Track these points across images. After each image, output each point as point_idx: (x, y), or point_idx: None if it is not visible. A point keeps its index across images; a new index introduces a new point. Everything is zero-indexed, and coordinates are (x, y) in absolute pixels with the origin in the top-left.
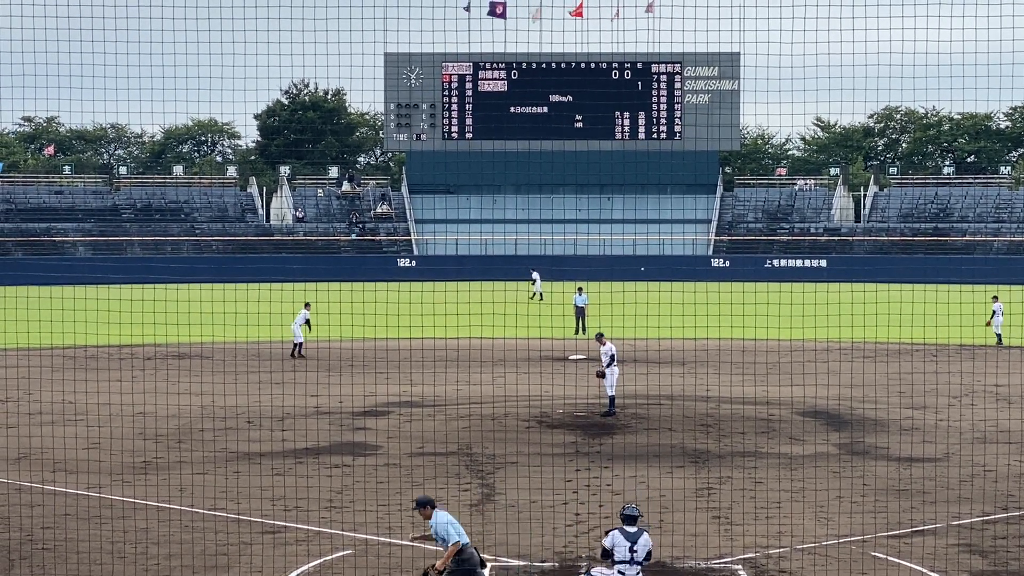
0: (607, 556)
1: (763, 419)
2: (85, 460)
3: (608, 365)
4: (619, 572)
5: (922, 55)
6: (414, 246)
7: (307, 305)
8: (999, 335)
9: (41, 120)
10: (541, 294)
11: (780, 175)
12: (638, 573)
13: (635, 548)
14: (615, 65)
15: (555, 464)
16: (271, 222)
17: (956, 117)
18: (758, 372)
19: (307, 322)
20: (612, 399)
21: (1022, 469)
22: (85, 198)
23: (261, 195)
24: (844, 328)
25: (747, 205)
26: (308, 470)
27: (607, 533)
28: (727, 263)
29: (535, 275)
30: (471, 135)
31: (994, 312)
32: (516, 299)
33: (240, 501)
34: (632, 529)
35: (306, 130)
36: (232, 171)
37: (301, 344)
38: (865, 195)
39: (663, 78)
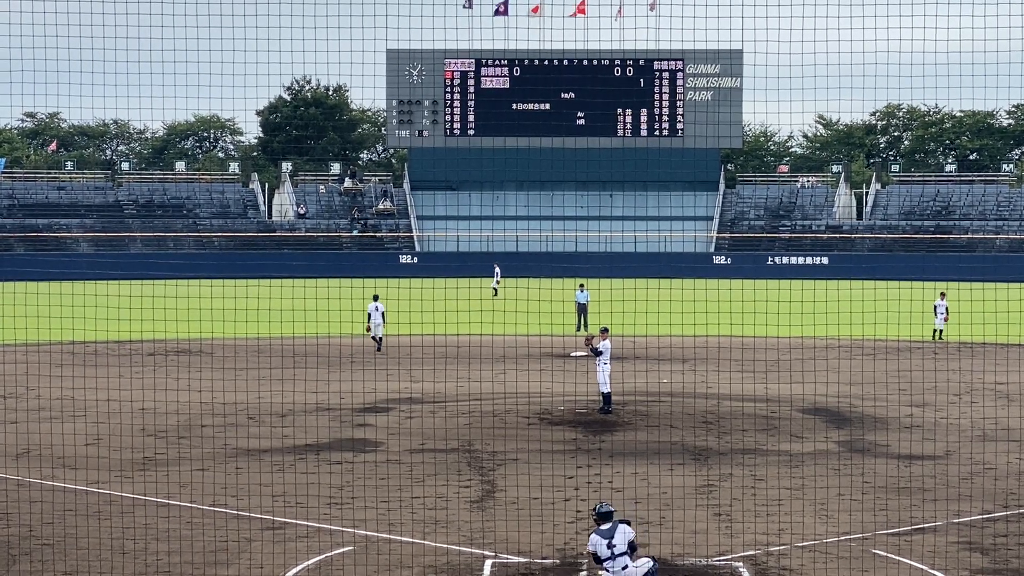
0: (599, 560)
1: (764, 416)
2: (86, 456)
3: (599, 356)
4: (605, 570)
5: (924, 53)
6: (416, 243)
7: (376, 298)
8: (940, 330)
9: (43, 116)
10: (495, 289)
11: (782, 172)
12: (625, 567)
13: (613, 543)
14: (617, 62)
15: (556, 461)
16: (273, 218)
17: (958, 114)
18: (759, 369)
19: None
20: (608, 396)
21: (1023, 467)
22: (87, 194)
23: (263, 191)
24: (845, 325)
25: (749, 202)
26: (309, 466)
27: (589, 538)
28: (729, 260)
29: (497, 269)
30: (473, 132)
31: (947, 309)
32: (516, 296)
33: (241, 497)
34: (607, 526)
35: (308, 126)
36: (234, 167)
37: (381, 338)
38: (867, 192)
39: (665, 75)
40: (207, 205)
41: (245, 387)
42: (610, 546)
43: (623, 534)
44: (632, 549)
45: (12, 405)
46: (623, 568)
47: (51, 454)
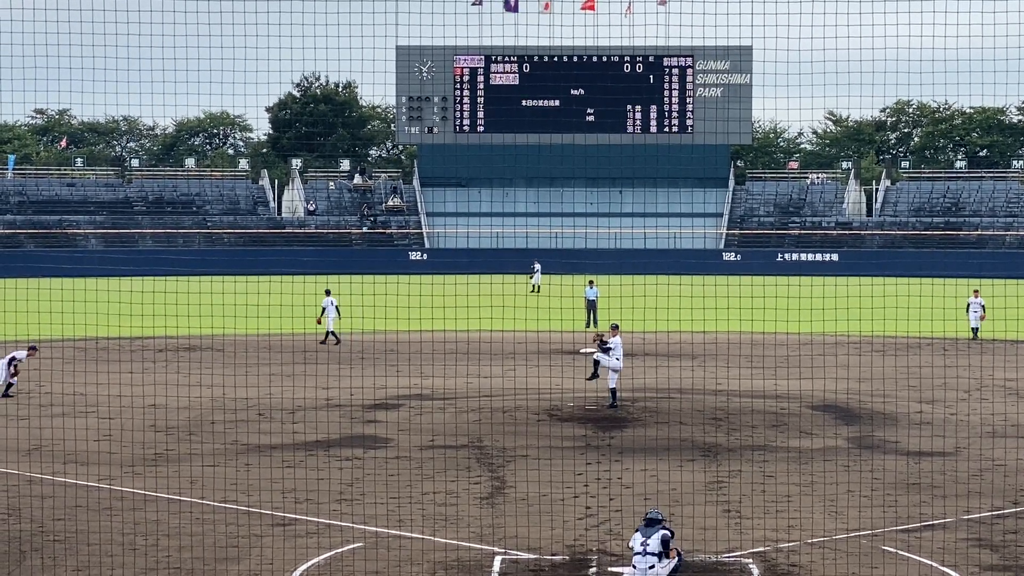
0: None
1: (773, 413)
2: (97, 452)
3: (609, 352)
4: (633, 566)
5: (934, 50)
6: (425, 239)
7: (328, 292)
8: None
9: (53, 113)
10: (538, 287)
11: (792, 169)
12: (651, 567)
13: (647, 542)
14: (627, 58)
15: (565, 457)
16: (282, 215)
17: (968, 111)
18: (768, 365)
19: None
20: (614, 391)
21: None
22: (97, 190)
23: (273, 188)
24: (855, 322)
25: (759, 199)
26: (319, 462)
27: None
28: (738, 257)
29: (537, 266)
30: (482, 128)
31: (982, 306)
32: (526, 292)
33: (251, 493)
34: (650, 528)
35: (318, 123)
36: (244, 164)
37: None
38: (877, 189)
39: (675, 71)
40: (217, 202)
41: (256, 383)
42: (643, 544)
43: (658, 538)
44: (664, 548)
45: (23, 401)
46: (649, 567)
47: (61, 450)
